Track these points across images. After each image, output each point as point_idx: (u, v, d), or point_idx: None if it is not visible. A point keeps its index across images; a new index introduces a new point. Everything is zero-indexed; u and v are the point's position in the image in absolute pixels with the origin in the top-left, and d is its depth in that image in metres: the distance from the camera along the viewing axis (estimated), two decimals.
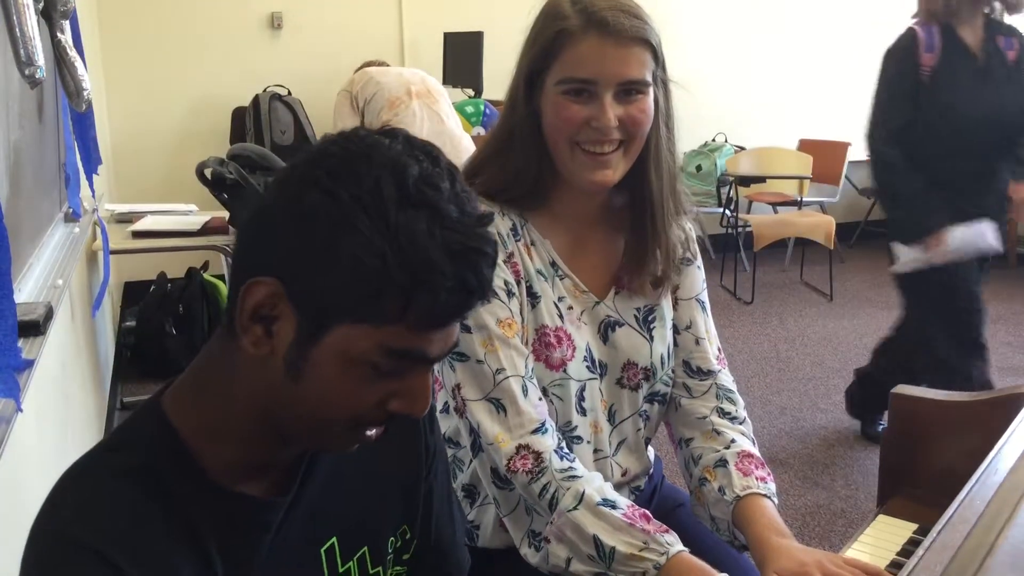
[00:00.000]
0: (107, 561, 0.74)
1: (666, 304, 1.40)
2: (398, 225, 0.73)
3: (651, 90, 1.26)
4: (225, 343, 0.82)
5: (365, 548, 0.95)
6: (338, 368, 0.77)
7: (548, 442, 1.24)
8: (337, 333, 0.76)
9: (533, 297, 1.31)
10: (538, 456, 1.23)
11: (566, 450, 1.26)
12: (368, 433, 0.83)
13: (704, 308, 1.44)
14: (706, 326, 1.43)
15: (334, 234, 0.73)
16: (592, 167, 1.26)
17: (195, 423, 0.83)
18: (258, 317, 0.77)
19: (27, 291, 1.66)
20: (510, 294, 1.29)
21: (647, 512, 1.21)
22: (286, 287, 0.76)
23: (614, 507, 1.20)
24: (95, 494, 0.78)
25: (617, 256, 1.37)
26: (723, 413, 1.39)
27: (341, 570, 0.93)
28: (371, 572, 0.96)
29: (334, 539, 0.92)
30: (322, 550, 0.91)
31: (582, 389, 1.33)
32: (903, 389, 1.44)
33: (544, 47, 1.25)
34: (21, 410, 1.15)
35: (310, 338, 0.76)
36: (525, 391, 1.25)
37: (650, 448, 1.49)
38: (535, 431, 1.24)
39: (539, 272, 1.32)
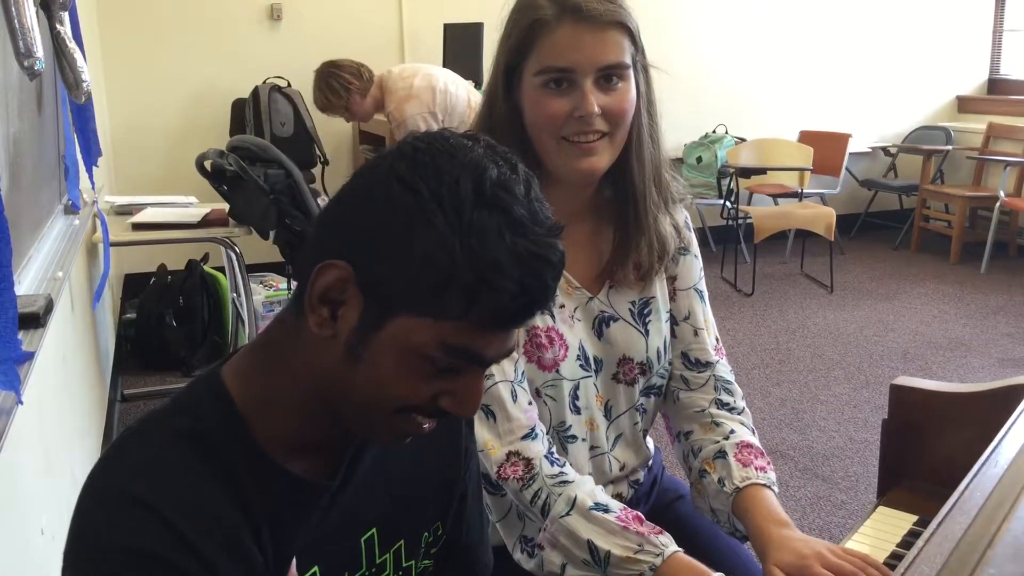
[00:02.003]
0: (161, 517, 0.75)
1: (662, 296, 1.39)
2: (471, 224, 0.75)
3: (631, 75, 1.24)
4: (290, 320, 0.84)
5: (401, 541, 0.97)
6: (395, 357, 0.79)
7: (538, 448, 1.24)
8: (399, 323, 0.78)
9: None
10: (528, 463, 1.22)
11: (556, 455, 1.26)
12: (423, 425, 0.84)
13: (702, 297, 1.43)
14: (704, 316, 1.42)
15: (409, 226, 0.76)
16: (578, 156, 1.24)
17: (252, 395, 0.84)
18: (326, 299, 0.79)
19: (27, 283, 1.66)
20: None
21: (640, 514, 1.21)
22: (356, 273, 0.78)
23: (607, 511, 1.19)
24: (151, 454, 0.80)
25: (608, 250, 1.36)
26: (721, 404, 1.39)
27: (378, 560, 0.95)
28: (404, 565, 0.98)
29: (374, 530, 0.94)
30: (362, 539, 0.93)
31: (575, 388, 1.33)
32: (903, 380, 1.44)
33: (520, 39, 1.23)
34: (22, 402, 1.15)
35: (372, 325, 0.78)
36: (514, 396, 1.25)
37: (650, 440, 1.49)
38: (524, 437, 1.24)
39: None
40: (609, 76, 1.22)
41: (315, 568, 0.89)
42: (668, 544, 1.16)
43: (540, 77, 1.22)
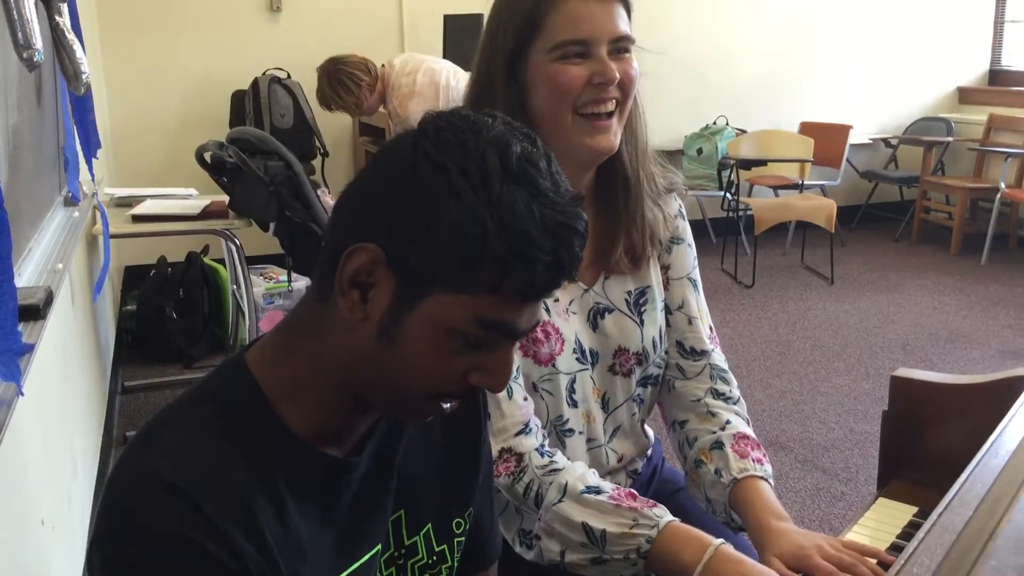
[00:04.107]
0: (190, 500, 0.76)
1: (657, 285, 1.39)
2: (500, 198, 0.76)
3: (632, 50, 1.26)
4: (316, 304, 0.85)
5: (429, 525, 0.98)
6: (430, 336, 0.79)
7: (530, 442, 1.24)
8: (433, 301, 0.78)
9: None
10: (520, 458, 1.23)
11: (547, 447, 1.26)
12: (444, 406, 0.85)
13: (696, 287, 1.43)
14: (698, 305, 1.43)
15: (439, 203, 0.77)
16: (593, 132, 1.24)
17: (277, 380, 0.85)
18: (356, 283, 0.80)
19: (27, 275, 1.66)
20: None
21: (632, 491, 1.22)
22: (387, 254, 0.78)
23: (598, 492, 1.20)
24: (180, 438, 0.81)
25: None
26: (717, 394, 1.39)
27: (407, 542, 0.96)
28: (436, 549, 0.99)
29: (402, 512, 0.95)
30: (390, 520, 0.94)
31: (572, 381, 1.33)
32: (903, 372, 1.44)
33: (524, 22, 1.22)
34: (22, 394, 1.15)
35: (406, 305, 0.79)
36: (510, 392, 1.25)
37: (650, 430, 1.49)
38: (518, 434, 1.24)
39: None
40: (621, 47, 1.23)
41: (378, 547, 0.91)
42: (663, 515, 1.17)
43: (555, 52, 1.21)
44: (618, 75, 1.21)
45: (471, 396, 0.85)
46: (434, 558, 0.98)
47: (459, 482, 1.01)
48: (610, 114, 1.24)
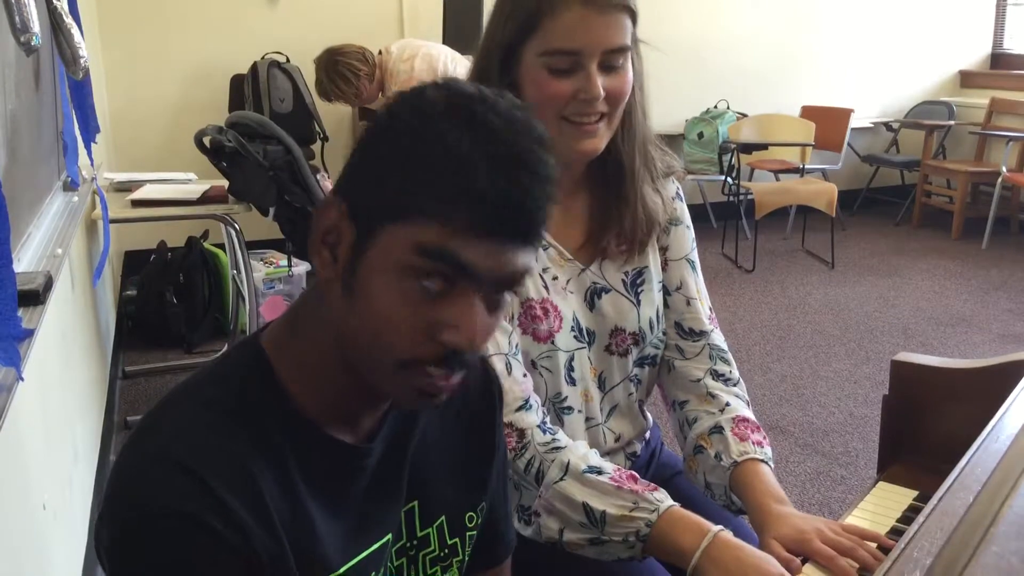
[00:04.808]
0: (199, 478, 0.75)
1: (655, 266, 1.40)
2: (445, 130, 0.76)
3: (630, 55, 1.25)
4: (317, 284, 0.85)
5: (443, 517, 0.97)
6: (382, 281, 0.77)
7: (531, 418, 1.25)
8: (380, 241, 0.77)
9: None
10: (521, 433, 1.23)
11: (549, 424, 1.27)
12: (429, 380, 0.80)
13: (694, 268, 1.44)
14: (696, 286, 1.43)
15: (385, 140, 0.79)
16: (579, 137, 1.24)
17: (286, 360, 0.84)
18: (327, 241, 0.81)
19: (26, 260, 1.66)
20: None
21: (634, 473, 1.22)
22: (348, 205, 0.79)
23: (600, 473, 1.20)
24: (191, 418, 0.80)
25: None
26: (717, 375, 1.40)
27: (420, 534, 0.96)
28: (449, 542, 0.98)
29: (415, 503, 0.94)
30: (403, 511, 0.94)
31: (571, 359, 1.34)
32: (904, 356, 1.44)
33: (524, 19, 1.21)
34: (22, 379, 1.15)
35: (360, 251, 0.78)
36: (509, 368, 1.25)
37: (648, 414, 1.50)
38: (519, 409, 1.24)
39: None
40: (614, 59, 1.22)
41: (388, 536, 0.91)
42: (663, 499, 1.17)
43: (545, 58, 1.21)
44: (604, 92, 1.21)
45: (448, 363, 0.79)
46: (446, 551, 0.98)
47: (473, 476, 1.01)
48: (598, 119, 1.24)
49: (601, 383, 1.38)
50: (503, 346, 1.26)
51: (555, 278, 1.33)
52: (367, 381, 0.83)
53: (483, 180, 0.75)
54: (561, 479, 1.20)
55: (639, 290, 1.38)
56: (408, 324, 0.78)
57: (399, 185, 0.76)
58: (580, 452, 1.23)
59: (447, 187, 0.75)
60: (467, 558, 1.01)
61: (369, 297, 0.78)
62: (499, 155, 0.75)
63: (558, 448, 1.23)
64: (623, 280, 1.37)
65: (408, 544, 0.95)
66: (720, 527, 1.12)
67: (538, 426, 1.24)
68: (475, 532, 1.01)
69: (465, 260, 0.76)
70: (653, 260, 1.40)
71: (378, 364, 0.80)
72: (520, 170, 0.76)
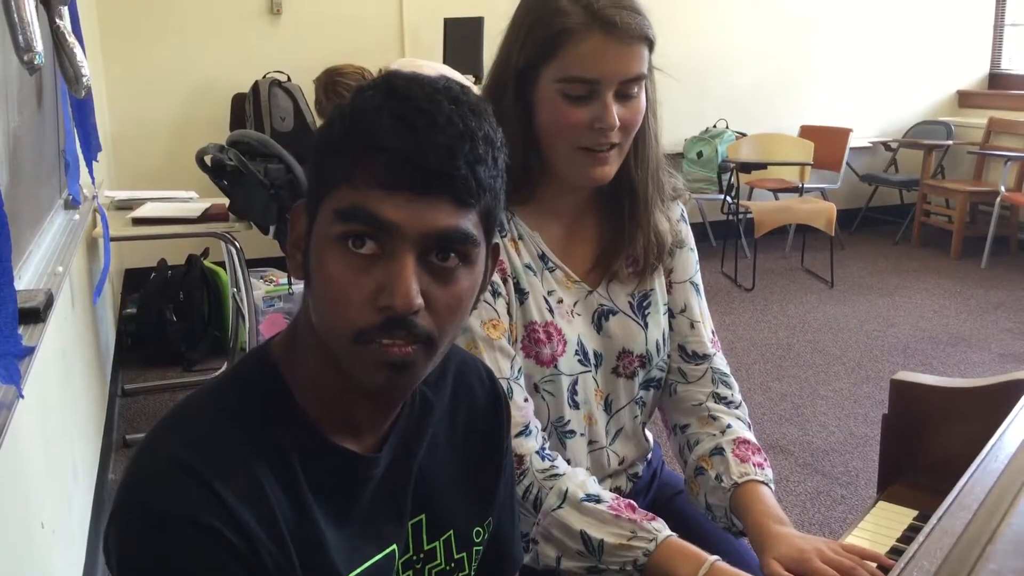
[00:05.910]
0: (208, 484, 0.76)
1: (660, 289, 1.40)
2: (361, 103, 0.79)
3: (645, 84, 1.25)
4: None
5: (451, 532, 0.98)
6: (321, 257, 0.80)
7: (531, 444, 1.24)
8: (316, 221, 0.81)
9: (521, 293, 1.30)
10: (520, 459, 1.23)
11: (548, 451, 1.26)
12: (384, 346, 0.79)
13: (698, 291, 1.44)
14: (700, 309, 1.43)
15: (321, 130, 0.84)
16: (591, 164, 1.25)
17: (291, 368, 0.86)
18: (298, 245, 0.84)
19: (27, 278, 1.66)
20: (496, 294, 1.28)
21: (632, 503, 1.21)
22: (307, 204, 0.83)
23: (598, 501, 1.20)
24: (202, 426, 0.82)
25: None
26: (719, 398, 1.39)
27: (427, 547, 0.96)
28: (456, 556, 0.98)
29: (423, 516, 0.95)
30: (410, 524, 0.94)
31: (574, 383, 1.33)
32: (903, 375, 1.44)
33: (543, 43, 1.22)
34: (23, 396, 1.15)
35: (308, 238, 0.82)
36: (511, 393, 1.24)
37: (649, 434, 1.49)
38: (519, 435, 1.23)
39: (527, 267, 1.32)
40: (629, 88, 1.22)
41: (393, 547, 0.91)
42: (661, 529, 1.17)
43: (562, 84, 1.21)
44: (619, 121, 1.21)
45: (390, 329, 0.78)
46: (452, 565, 0.98)
47: (481, 491, 1.01)
48: (610, 148, 1.24)
49: (607, 406, 1.38)
50: (504, 371, 1.25)
51: (560, 301, 1.33)
52: (344, 372, 0.83)
53: (382, 134, 0.77)
54: (559, 507, 1.20)
55: (646, 312, 1.38)
56: (353, 295, 0.78)
57: (325, 164, 0.80)
58: (578, 480, 1.23)
59: (353, 148, 0.78)
60: (473, 574, 1.01)
61: (317, 277, 0.81)
62: (398, 108, 0.78)
63: (556, 475, 1.22)
64: (630, 302, 1.37)
65: (415, 557, 0.95)
66: (716, 557, 1.12)
67: (537, 452, 1.24)
68: (481, 547, 1.01)
69: (378, 214, 0.77)
70: (659, 283, 1.40)
71: (339, 344, 0.80)
72: (417, 119, 0.77)
